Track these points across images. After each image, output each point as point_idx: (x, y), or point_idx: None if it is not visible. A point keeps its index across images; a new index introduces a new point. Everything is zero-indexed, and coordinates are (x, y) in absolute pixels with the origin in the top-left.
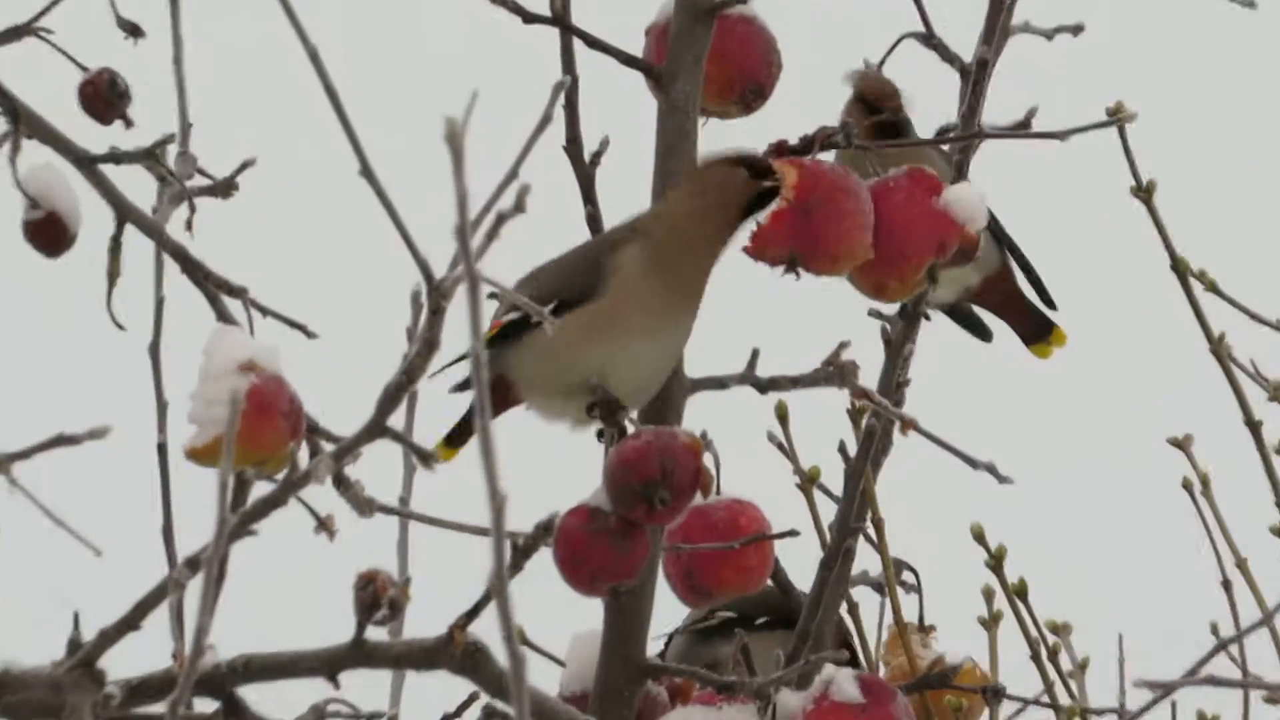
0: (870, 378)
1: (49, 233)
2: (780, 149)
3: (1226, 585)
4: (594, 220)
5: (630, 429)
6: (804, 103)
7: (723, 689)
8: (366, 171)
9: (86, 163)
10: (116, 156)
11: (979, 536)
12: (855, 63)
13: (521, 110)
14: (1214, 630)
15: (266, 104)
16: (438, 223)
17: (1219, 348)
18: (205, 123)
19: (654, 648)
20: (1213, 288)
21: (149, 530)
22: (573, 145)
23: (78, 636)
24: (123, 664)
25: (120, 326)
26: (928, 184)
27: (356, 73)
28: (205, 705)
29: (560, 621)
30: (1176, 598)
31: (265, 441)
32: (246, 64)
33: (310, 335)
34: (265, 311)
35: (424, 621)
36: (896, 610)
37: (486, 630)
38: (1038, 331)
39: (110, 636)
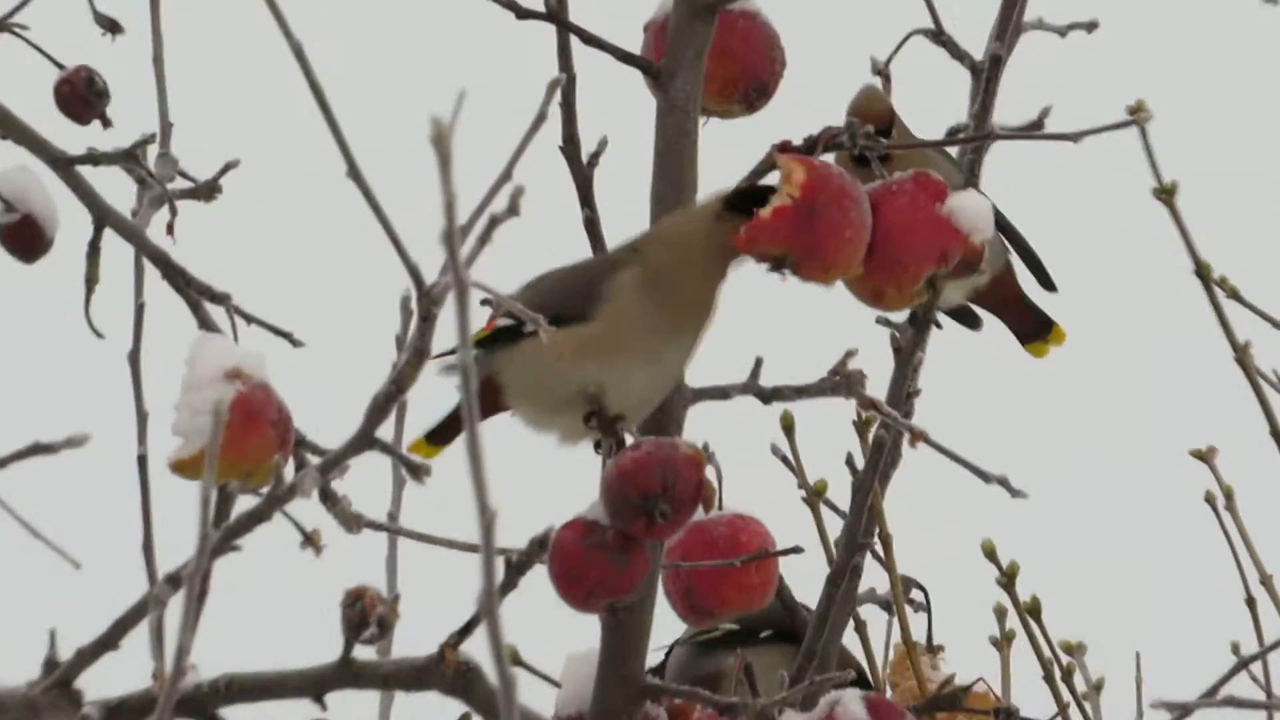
0: (879, 387)
1: (25, 237)
2: (784, 149)
3: (1250, 602)
4: (591, 224)
5: (629, 440)
6: (809, 102)
7: (725, 710)
8: (354, 173)
9: (63, 164)
10: (94, 158)
11: (990, 553)
12: (862, 59)
13: (516, 109)
14: (1235, 649)
15: (250, 103)
16: (429, 226)
17: (1243, 357)
18: (187, 123)
19: (653, 660)
20: (1236, 294)
21: (129, 545)
22: (569, 145)
23: (54, 655)
24: (101, 684)
25: (99, 334)
26: (933, 190)
27: (343, 70)
28: None
29: (555, 640)
30: (1197, 616)
31: (252, 452)
32: (229, 61)
33: (296, 343)
34: (249, 319)
35: (414, 640)
36: (905, 629)
37: (479, 649)
38: (1037, 330)
39: (88, 655)
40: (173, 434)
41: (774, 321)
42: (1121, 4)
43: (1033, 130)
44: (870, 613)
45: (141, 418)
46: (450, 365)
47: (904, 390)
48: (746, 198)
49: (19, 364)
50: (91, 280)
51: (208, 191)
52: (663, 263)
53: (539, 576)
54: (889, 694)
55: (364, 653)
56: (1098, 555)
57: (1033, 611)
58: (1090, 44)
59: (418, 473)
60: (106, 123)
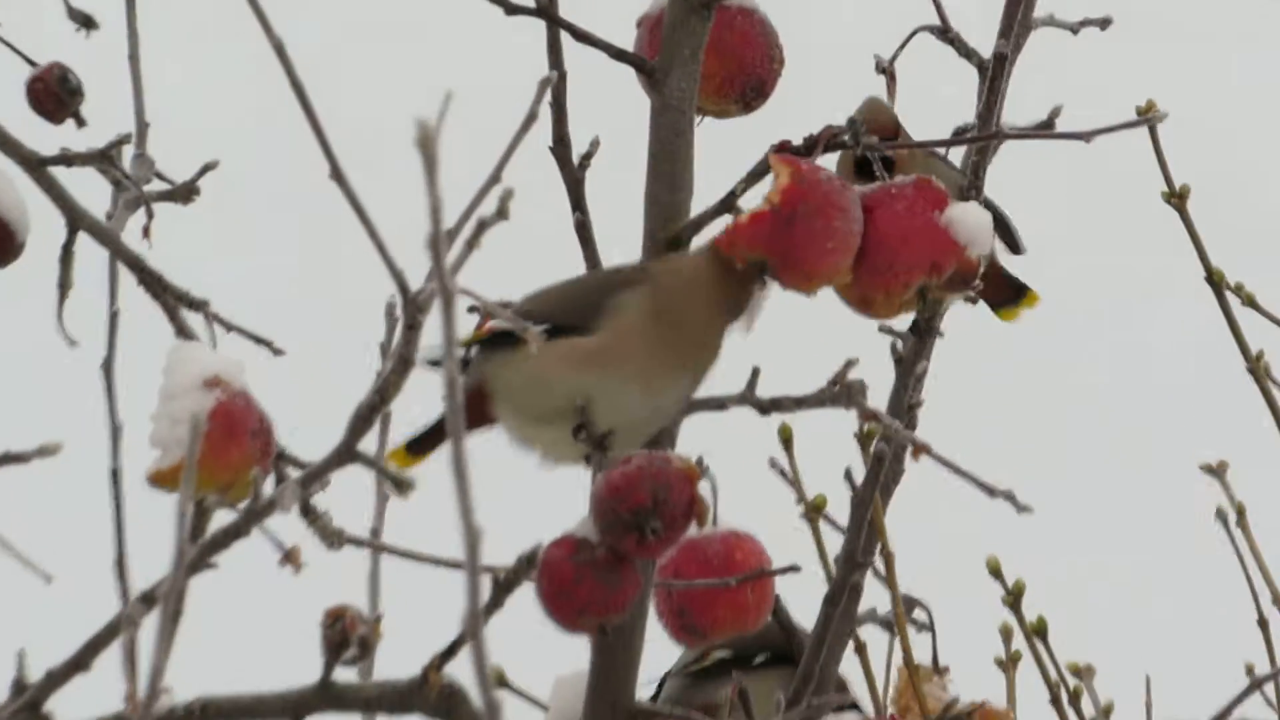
0: (880, 398)
1: None
2: (783, 150)
3: (1263, 623)
4: (583, 227)
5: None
6: (811, 101)
7: None
8: (337, 175)
9: (36, 165)
10: (68, 158)
11: (995, 571)
12: (866, 57)
13: (505, 109)
14: (1248, 670)
15: (229, 102)
16: (415, 230)
17: (1257, 366)
18: (163, 122)
19: (645, 692)
20: (1253, 301)
21: (101, 562)
22: (560, 146)
23: (23, 677)
24: (71, 707)
25: (72, 342)
26: (932, 197)
27: (326, 68)
28: None
29: (543, 661)
30: (1208, 637)
31: (233, 462)
32: (207, 59)
33: (276, 352)
34: (228, 326)
35: (397, 661)
36: (907, 650)
37: (464, 671)
38: (1013, 296)
39: (58, 677)
40: (150, 445)
41: (772, 330)
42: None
43: (1042, 130)
44: (871, 633)
45: (115, 429)
46: (436, 358)
47: (905, 401)
48: None
49: None
50: (64, 286)
51: (185, 194)
52: (672, 289)
53: (526, 596)
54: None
55: (345, 675)
56: (1107, 573)
57: (1039, 632)
58: (1103, 42)
59: (401, 487)
60: (80, 122)
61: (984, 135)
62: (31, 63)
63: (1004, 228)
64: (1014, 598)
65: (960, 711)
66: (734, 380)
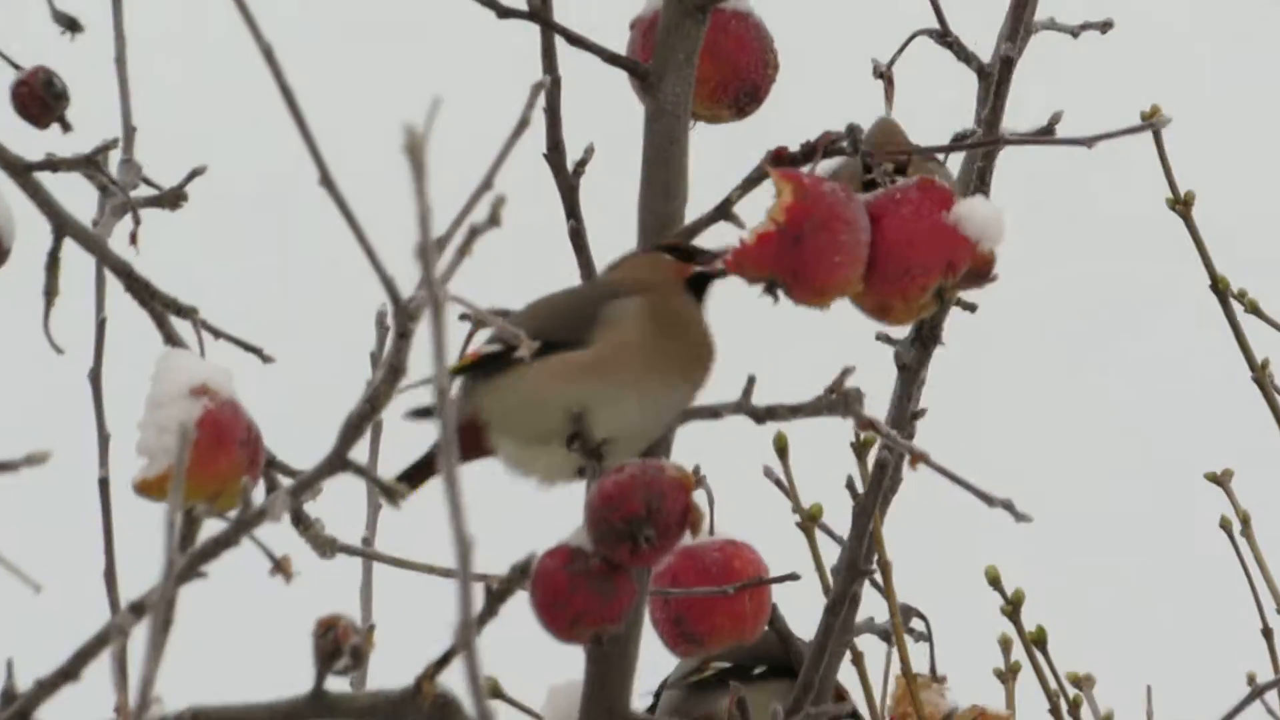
0: (879, 406)
1: None
2: (780, 156)
3: (1267, 632)
4: (577, 235)
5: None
6: (807, 106)
7: None
8: (327, 181)
9: (20, 170)
10: (54, 164)
11: (994, 580)
12: (863, 61)
13: (497, 114)
14: (1250, 680)
15: (217, 107)
16: (406, 237)
17: (1262, 375)
18: (151, 127)
19: (642, 703)
20: (1256, 309)
21: (90, 571)
22: (554, 153)
23: (12, 686)
24: (61, 716)
25: (58, 350)
26: (938, 197)
27: (315, 72)
28: None
29: (537, 671)
30: (1211, 646)
31: (221, 472)
32: (195, 63)
33: (265, 359)
34: (217, 334)
35: (389, 671)
36: (905, 660)
37: (458, 680)
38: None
39: (47, 687)
40: (137, 453)
41: (767, 338)
42: (1137, 3)
43: (1044, 135)
44: (869, 643)
45: (103, 438)
46: (418, 410)
47: (908, 409)
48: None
49: None
50: (50, 293)
51: (173, 199)
52: (664, 295)
53: (520, 605)
54: None
55: (337, 684)
56: (1107, 582)
57: (1039, 642)
58: (1104, 45)
59: (393, 496)
60: (66, 127)
61: (985, 140)
62: (16, 66)
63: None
64: (1013, 607)
65: (959, 718)
66: (729, 389)
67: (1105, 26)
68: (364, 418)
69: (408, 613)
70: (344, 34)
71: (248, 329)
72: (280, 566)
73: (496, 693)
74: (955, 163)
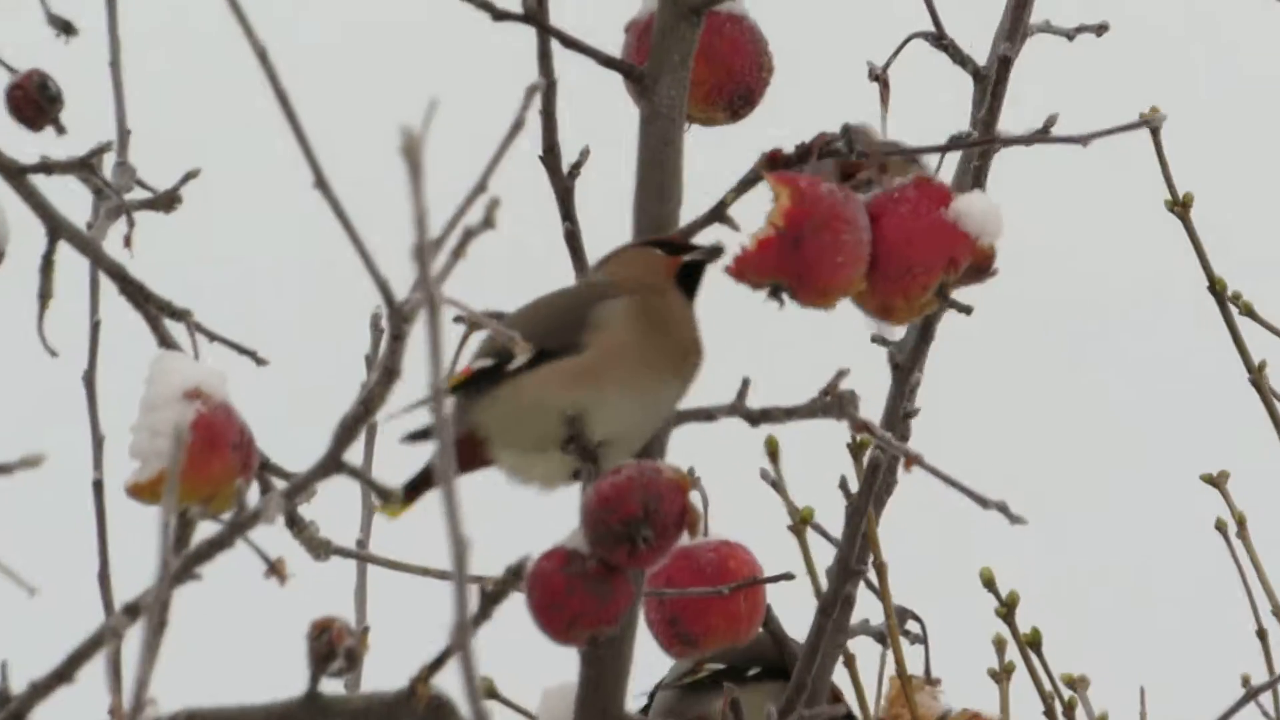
0: (873, 408)
1: None
2: (775, 159)
3: (1261, 633)
4: (572, 238)
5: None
6: (803, 108)
7: None
8: (321, 183)
9: (15, 173)
10: (48, 166)
11: (989, 582)
12: (859, 64)
13: (493, 116)
14: (1244, 681)
15: (212, 109)
16: (401, 239)
17: (1259, 377)
18: (145, 130)
19: (636, 704)
20: (1251, 311)
21: (84, 573)
22: (549, 155)
23: (6, 688)
24: (55, 718)
25: (53, 352)
26: (936, 194)
27: (310, 74)
28: None
29: (531, 673)
30: (1205, 647)
31: (214, 476)
32: (190, 65)
33: (260, 362)
34: (211, 336)
35: (384, 673)
36: (900, 662)
37: (452, 682)
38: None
39: (42, 689)
40: (130, 456)
41: (762, 340)
42: (1133, 5)
43: (1040, 136)
44: (863, 645)
45: (97, 440)
46: (416, 433)
47: (901, 410)
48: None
49: None
50: (45, 295)
51: (167, 202)
52: (651, 293)
53: (515, 607)
54: None
55: (332, 686)
56: (1102, 584)
57: (1033, 643)
58: (1100, 48)
59: (388, 498)
60: (61, 129)
61: (981, 141)
62: (11, 69)
63: None
64: (1008, 609)
65: None
66: (724, 391)
67: (1101, 29)
68: (358, 420)
69: (402, 615)
70: (338, 37)
71: (242, 332)
72: (275, 568)
73: (491, 694)
74: (951, 164)
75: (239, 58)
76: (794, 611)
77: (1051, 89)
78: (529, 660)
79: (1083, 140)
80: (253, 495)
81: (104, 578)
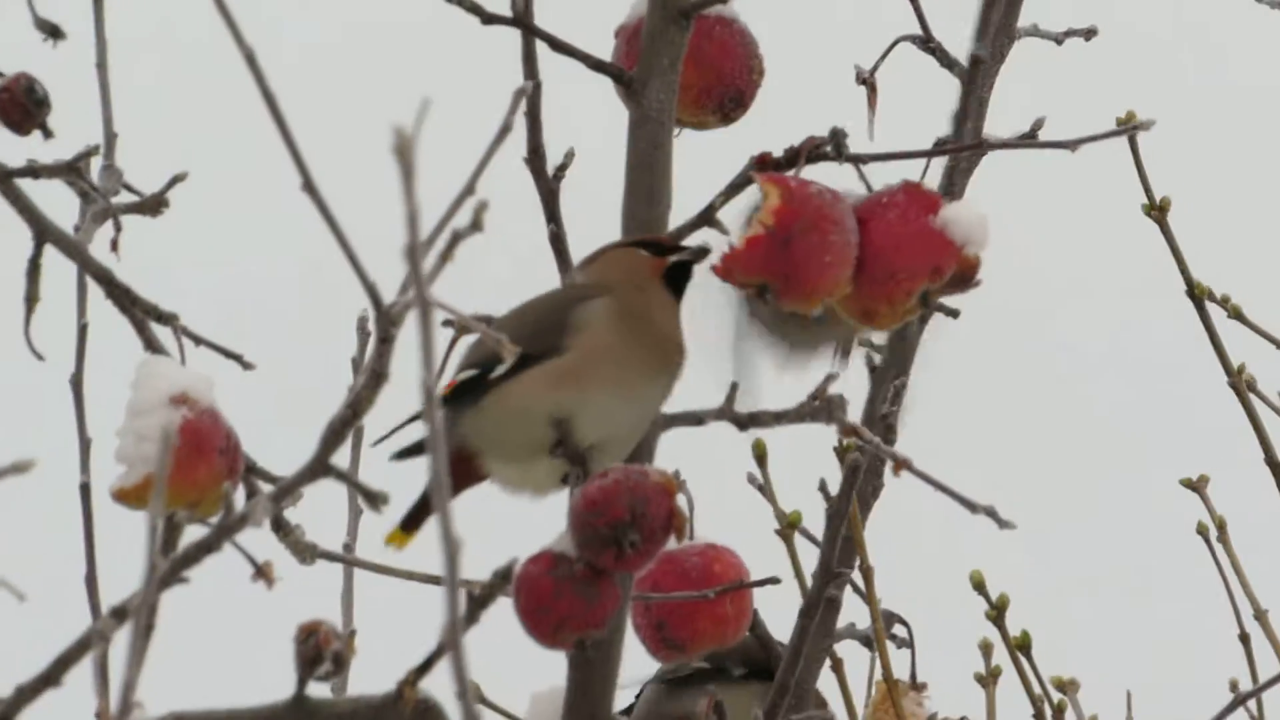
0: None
1: None
2: (763, 161)
3: (1244, 638)
4: (557, 240)
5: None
6: (791, 111)
7: None
8: (309, 186)
9: (2, 177)
10: (35, 170)
11: (978, 586)
12: (847, 68)
13: (480, 119)
14: (1232, 687)
15: (199, 112)
16: (387, 242)
17: (1239, 380)
18: (132, 133)
19: (625, 696)
20: (1239, 314)
21: (71, 577)
22: (534, 158)
23: None
24: None
25: (39, 356)
26: (925, 201)
27: (298, 77)
28: None
29: (517, 677)
30: (1190, 652)
31: (200, 481)
32: (177, 68)
33: (247, 366)
34: (197, 340)
35: (371, 677)
36: (886, 666)
37: (438, 686)
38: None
39: (28, 692)
40: (116, 461)
41: None
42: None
43: (1026, 140)
44: (850, 649)
45: (84, 444)
46: (405, 450)
47: (879, 413)
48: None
49: None
50: (31, 299)
51: (154, 205)
52: (630, 292)
53: (502, 611)
54: None
55: (319, 690)
56: (1089, 588)
57: (1022, 647)
58: (1088, 53)
59: (375, 501)
60: (48, 133)
61: (968, 145)
62: None
63: None
64: (997, 612)
65: None
66: (712, 395)
67: (1089, 34)
68: (345, 423)
69: (389, 618)
70: (326, 40)
71: (228, 336)
72: (262, 572)
73: (479, 698)
74: (937, 168)
75: (226, 60)
76: (783, 616)
77: (1041, 92)
78: (517, 665)
79: (1071, 145)
80: (239, 499)
81: (91, 581)
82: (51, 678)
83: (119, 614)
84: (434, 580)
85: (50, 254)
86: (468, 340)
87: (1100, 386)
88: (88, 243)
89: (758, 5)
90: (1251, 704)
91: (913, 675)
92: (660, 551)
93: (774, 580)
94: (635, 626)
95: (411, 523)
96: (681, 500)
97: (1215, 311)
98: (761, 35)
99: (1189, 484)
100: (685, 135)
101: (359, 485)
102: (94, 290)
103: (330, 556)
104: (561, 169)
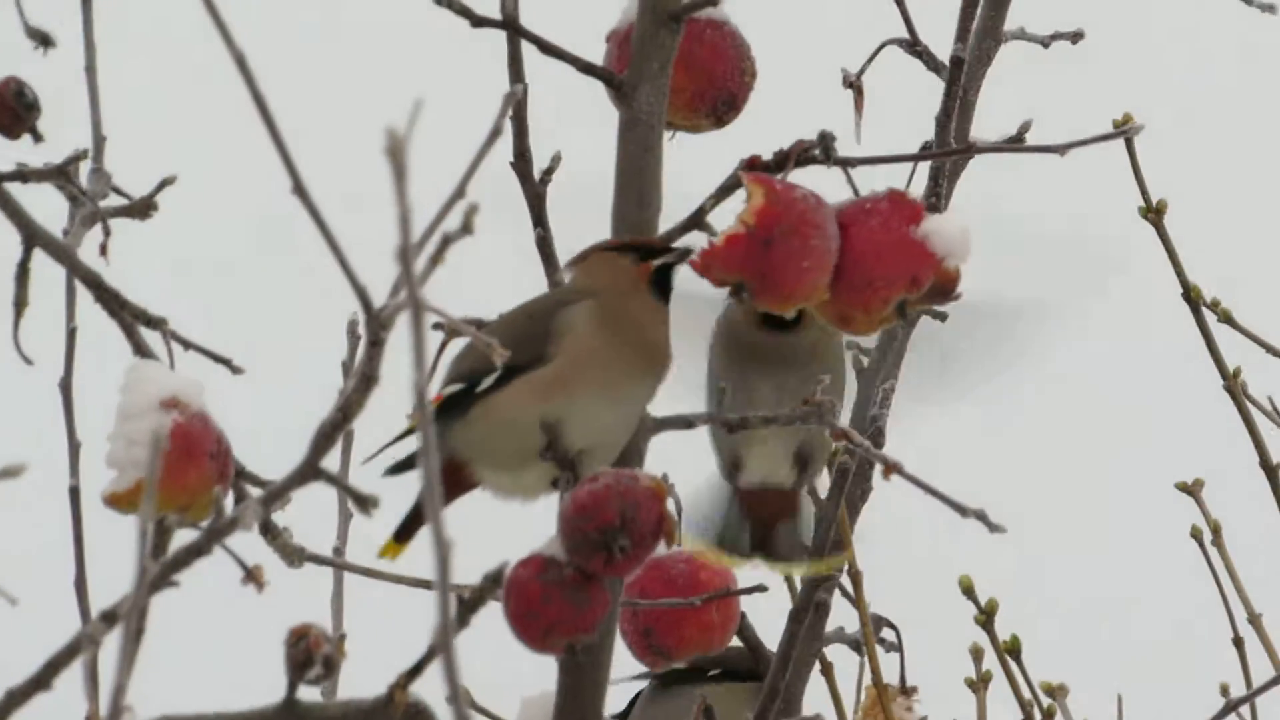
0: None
1: None
2: (753, 165)
3: (1238, 643)
4: (544, 243)
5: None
6: (781, 115)
7: None
8: (299, 189)
9: None
10: (24, 174)
11: (968, 590)
12: (834, 71)
13: (469, 122)
14: (1224, 691)
15: (189, 115)
16: (377, 247)
17: (1234, 384)
18: (121, 137)
19: (618, 695)
20: (1228, 318)
21: (60, 580)
22: (521, 161)
23: None
24: None
25: (28, 360)
26: (908, 211)
27: (288, 79)
28: None
29: (507, 682)
30: (1183, 656)
31: (190, 485)
32: (167, 71)
33: (236, 370)
34: (187, 344)
35: (361, 681)
36: (875, 670)
37: (429, 690)
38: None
39: (18, 696)
40: (107, 465)
41: None
42: (1109, 13)
43: (1015, 143)
44: (839, 653)
45: (74, 448)
46: (397, 465)
47: (868, 415)
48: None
49: None
50: (20, 303)
51: (143, 209)
52: (612, 296)
53: (493, 615)
54: None
55: (309, 694)
56: (1080, 592)
57: (1012, 651)
58: (1076, 55)
59: (365, 505)
60: (37, 137)
61: (957, 150)
62: None
63: None
64: (986, 616)
65: None
66: (702, 398)
67: (1076, 37)
68: (336, 427)
69: (379, 622)
70: (316, 42)
71: (218, 339)
72: (252, 576)
73: (469, 703)
74: (922, 172)
75: (215, 63)
76: (773, 621)
77: (1028, 96)
78: (507, 669)
79: (1060, 149)
80: (229, 503)
81: (80, 585)
82: (42, 681)
83: (109, 618)
84: (424, 584)
85: (39, 258)
86: (453, 352)
87: (1090, 388)
88: (76, 246)
89: (740, 11)
90: (1245, 709)
91: (902, 680)
92: (650, 555)
93: (760, 589)
94: (622, 633)
95: (404, 534)
96: (671, 505)
97: (1209, 315)
98: (751, 39)
99: (1184, 488)
100: (675, 139)
101: (349, 489)
102: (83, 294)
103: (320, 560)
104: (548, 173)
